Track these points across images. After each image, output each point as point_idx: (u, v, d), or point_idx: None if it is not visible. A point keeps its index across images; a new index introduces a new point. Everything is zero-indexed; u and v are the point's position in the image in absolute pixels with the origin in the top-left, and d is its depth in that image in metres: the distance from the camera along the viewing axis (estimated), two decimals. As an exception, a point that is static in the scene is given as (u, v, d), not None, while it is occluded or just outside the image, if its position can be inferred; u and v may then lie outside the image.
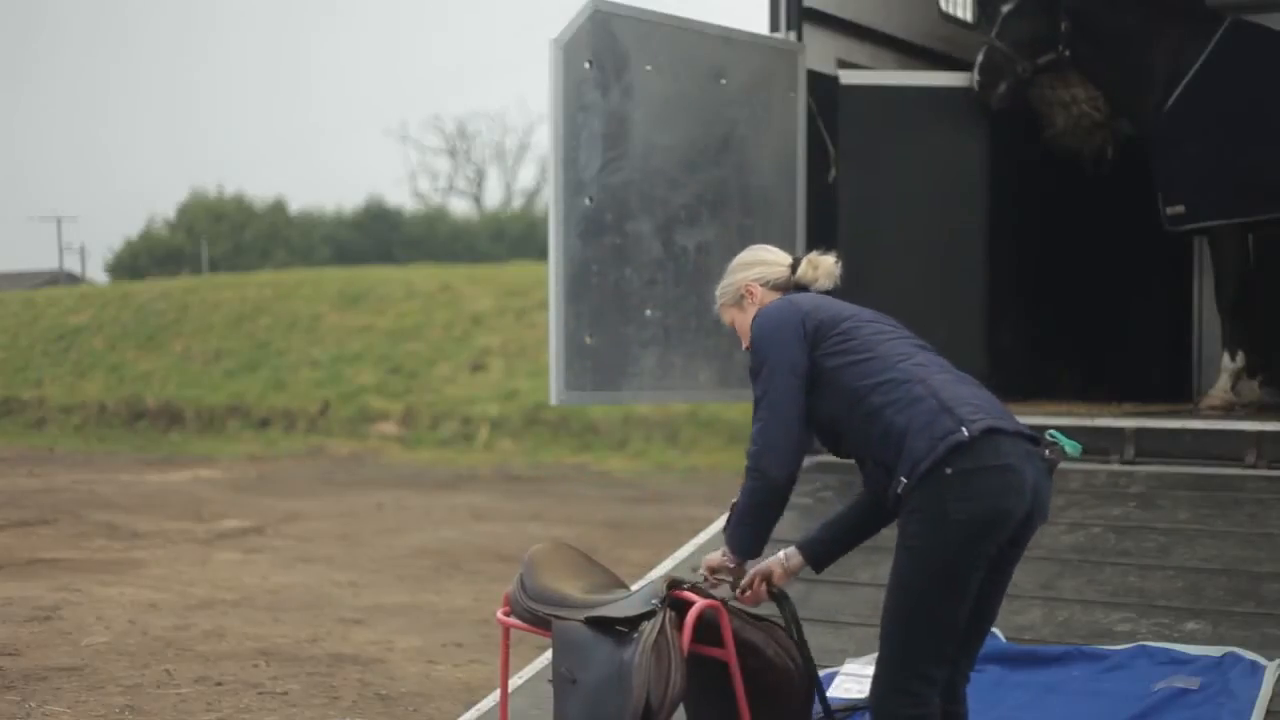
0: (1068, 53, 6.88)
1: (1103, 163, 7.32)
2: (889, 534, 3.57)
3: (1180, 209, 6.69)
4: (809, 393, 3.49)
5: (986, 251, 7.10)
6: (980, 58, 6.92)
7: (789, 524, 5.95)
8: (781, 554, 3.75)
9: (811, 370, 3.48)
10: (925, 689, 3.37)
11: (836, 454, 3.65)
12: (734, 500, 3.58)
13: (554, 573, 3.74)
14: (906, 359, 3.46)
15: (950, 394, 3.37)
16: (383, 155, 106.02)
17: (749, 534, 3.56)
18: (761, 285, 3.72)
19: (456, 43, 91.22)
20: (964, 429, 3.28)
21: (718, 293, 3.82)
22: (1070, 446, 3.44)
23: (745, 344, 3.72)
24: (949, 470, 3.27)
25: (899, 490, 3.34)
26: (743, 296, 3.74)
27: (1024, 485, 3.33)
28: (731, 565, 3.64)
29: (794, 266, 3.74)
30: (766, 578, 3.72)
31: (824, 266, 3.72)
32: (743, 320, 3.73)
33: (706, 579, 3.68)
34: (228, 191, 56.68)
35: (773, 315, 3.58)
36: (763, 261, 3.77)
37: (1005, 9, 6.89)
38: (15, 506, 12.79)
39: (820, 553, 3.75)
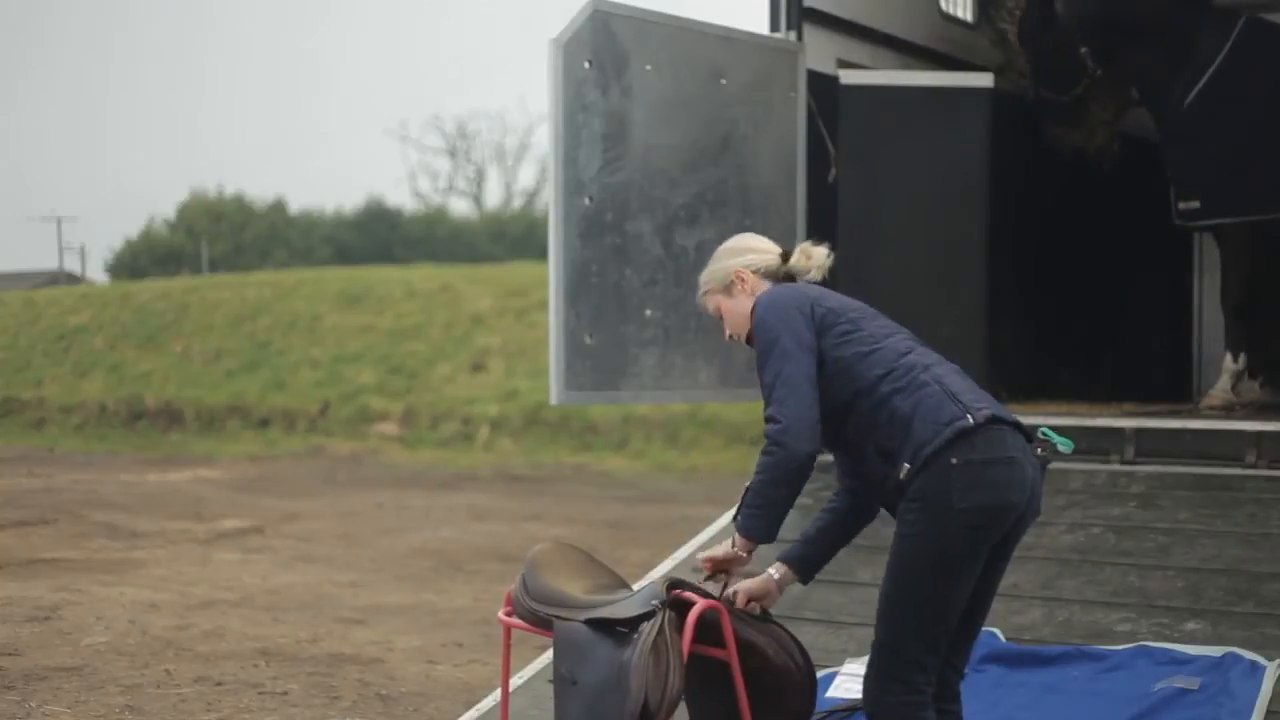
0: (1099, 72, 6.89)
1: (1108, 161, 7.32)
2: (887, 534, 3.57)
3: (1195, 204, 6.69)
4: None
5: (986, 251, 7.10)
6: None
7: (787, 525, 5.96)
8: (771, 571, 3.74)
9: (819, 357, 3.45)
10: (918, 676, 3.39)
11: (829, 447, 3.61)
12: (747, 485, 3.47)
13: (556, 573, 3.74)
14: (910, 352, 3.50)
15: (954, 383, 3.43)
16: (383, 155, 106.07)
17: (767, 515, 3.45)
18: (753, 272, 3.68)
19: (456, 42, 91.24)
20: (969, 416, 3.33)
21: (702, 279, 3.76)
22: (1063, 444, 3.47)
23: (729, 332, 3.71)
24: (954, 460, 3.30)
25: (901, 476, 3.35)
26: (732, 283, 3.68)
27: (1025, 480, 3.38)
28: (743, 555, 3.55)
29: (785, 256, 3.71)
30: (760, 599, 3.69)
31: (816, 257, 3.69)
32: (731, 307, 3.69)
33: (704, 573, 3.64)
34: (228, 191, 56.78)
35: (780, 298, 3.54)
36: (753, 249, 3.72)
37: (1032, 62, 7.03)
38: (15, 506, 12.78)
39: (805, 567, 3.76)
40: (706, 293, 3.74)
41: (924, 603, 3.36)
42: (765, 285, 3.65)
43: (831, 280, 3.75)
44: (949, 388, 3.40)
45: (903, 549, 3.38)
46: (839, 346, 3.46)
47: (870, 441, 3.43)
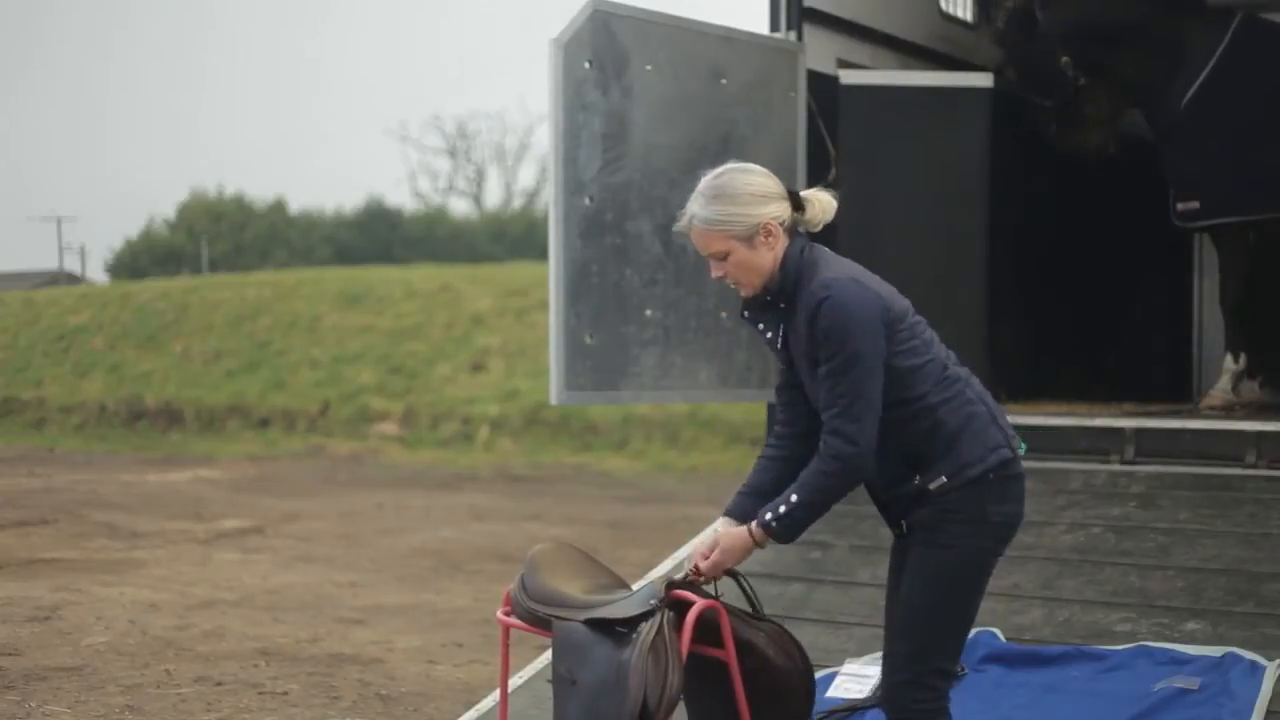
0: (1082, 80, 6.87)
1: (1108, 158, 7.31)
2: (887, 534, 3.58)
3: (1195, 205, 6.68)
4: None
5: (986, 251, 7.10)
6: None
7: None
8: (716, 528, 3.53)
9: None
10: (942, 683, 3.45)
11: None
12: (794, 493, 3.36)
13: (555, 573, 3.74)
14: (951, 361, 3.48)
15: (992, 403, 3.49)
16: (383, 155, 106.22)
17: (803, 527, 3.42)
18: (780, 225, 3.43)
19: (456, 42, 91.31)
20: (1010, 445, 3.43)
21: (713, 215, 3.41)
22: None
23: (725, 274, 3.44)
24: (991, 476, 3.38)
25: (931, 487, 3.37)
26: (756, 234, 3.40)
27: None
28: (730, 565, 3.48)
29: (796, 202, 3.46)
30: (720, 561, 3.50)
31: (828, 209, 3.49)
32: (748, 259, 3.41)
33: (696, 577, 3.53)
34: (228, 191, 56.84)
35: (860, 305, 3.32)
36: (775, 196, 3.43)
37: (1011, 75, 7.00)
38: (15, 506, 12.78)
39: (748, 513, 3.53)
40: (714, 233, 3.42)
41: (959, 613, 3.44)
42: (785, 240, 3.43)
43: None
44: (992, 410, 3.46)
45: (943, 561, 3.39)
46: (898, 356, 3.36)
47: (895, 440, 3.38)
